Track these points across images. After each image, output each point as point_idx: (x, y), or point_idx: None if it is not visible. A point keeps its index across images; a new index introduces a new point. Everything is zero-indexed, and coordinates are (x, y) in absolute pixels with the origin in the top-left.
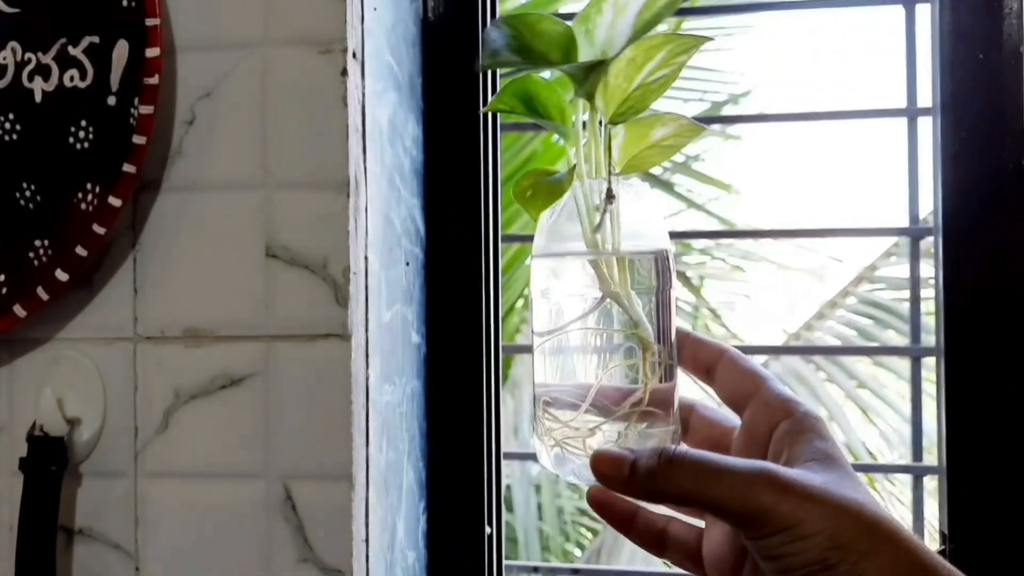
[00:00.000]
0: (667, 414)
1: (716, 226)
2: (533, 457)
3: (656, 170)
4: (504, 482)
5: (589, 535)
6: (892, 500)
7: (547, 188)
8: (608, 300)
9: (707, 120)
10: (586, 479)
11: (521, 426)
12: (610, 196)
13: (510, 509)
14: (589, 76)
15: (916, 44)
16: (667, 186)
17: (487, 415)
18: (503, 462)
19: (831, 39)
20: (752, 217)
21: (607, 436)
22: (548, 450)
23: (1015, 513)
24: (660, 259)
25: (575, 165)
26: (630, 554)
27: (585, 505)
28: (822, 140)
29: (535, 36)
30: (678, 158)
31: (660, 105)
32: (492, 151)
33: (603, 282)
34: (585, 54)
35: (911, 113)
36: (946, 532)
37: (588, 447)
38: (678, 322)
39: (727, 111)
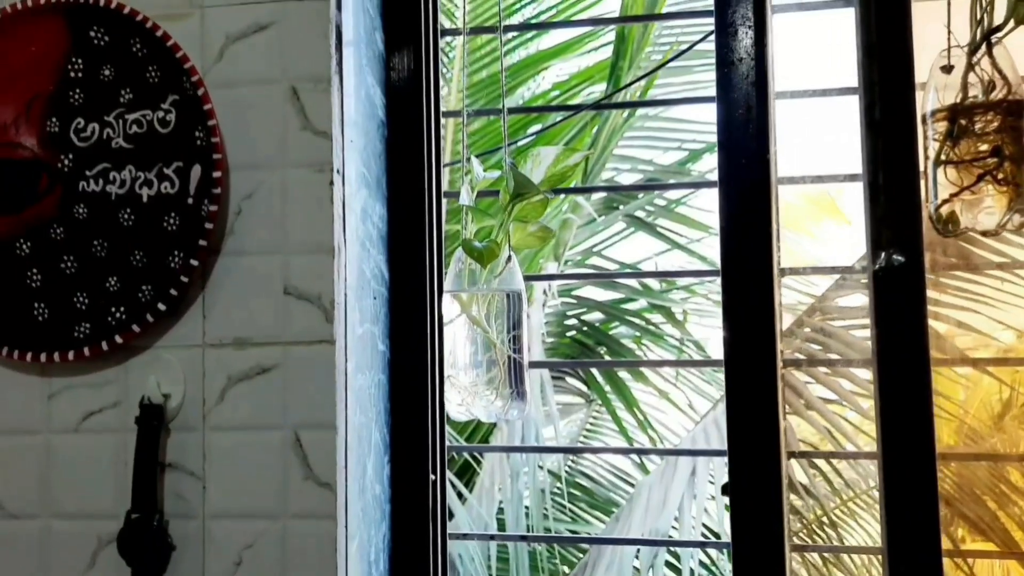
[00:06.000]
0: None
1: (699, 265)
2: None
3: (640, 213)
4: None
5: None
6: None
7: (488, 252)
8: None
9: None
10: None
11: None
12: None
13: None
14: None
15: None
16: (651, 228)
17: (431, 401)
18: (447, 439)
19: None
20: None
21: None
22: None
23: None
24: (513, 296)
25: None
26: None
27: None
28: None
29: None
30: (660, 202)
31: (643, 152)
32: (436, 221)
33: (465, 307)
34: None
35: None
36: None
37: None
38: None
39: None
